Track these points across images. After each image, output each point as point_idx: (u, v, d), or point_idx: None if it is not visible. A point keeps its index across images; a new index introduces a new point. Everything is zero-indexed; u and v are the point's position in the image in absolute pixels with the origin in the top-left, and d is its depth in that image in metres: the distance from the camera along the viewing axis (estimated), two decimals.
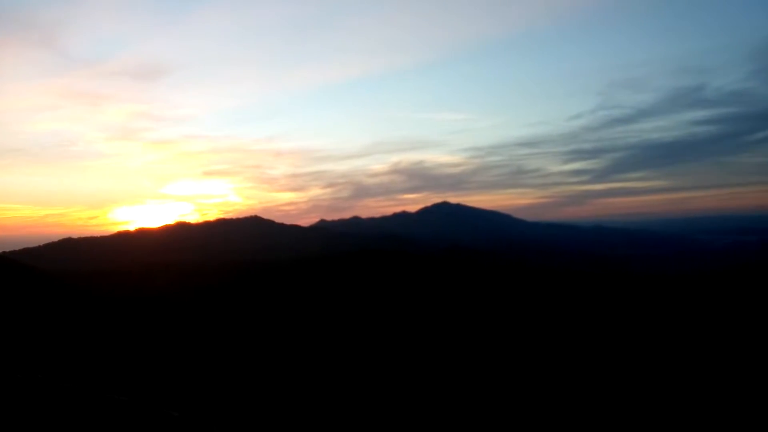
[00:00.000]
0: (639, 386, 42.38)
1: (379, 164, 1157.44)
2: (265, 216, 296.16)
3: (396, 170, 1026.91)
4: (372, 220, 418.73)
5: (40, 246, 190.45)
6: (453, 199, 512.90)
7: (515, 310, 76.32)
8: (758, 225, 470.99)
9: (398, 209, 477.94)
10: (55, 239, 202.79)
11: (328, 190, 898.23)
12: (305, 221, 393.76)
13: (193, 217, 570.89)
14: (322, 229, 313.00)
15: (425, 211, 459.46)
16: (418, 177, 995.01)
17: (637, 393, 40.79)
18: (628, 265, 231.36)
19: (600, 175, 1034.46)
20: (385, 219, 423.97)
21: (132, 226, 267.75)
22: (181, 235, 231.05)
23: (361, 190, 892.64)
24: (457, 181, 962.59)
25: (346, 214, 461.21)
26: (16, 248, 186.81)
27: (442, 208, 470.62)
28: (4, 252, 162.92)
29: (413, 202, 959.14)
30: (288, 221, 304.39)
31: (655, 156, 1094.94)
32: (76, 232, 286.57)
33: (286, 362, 51.41)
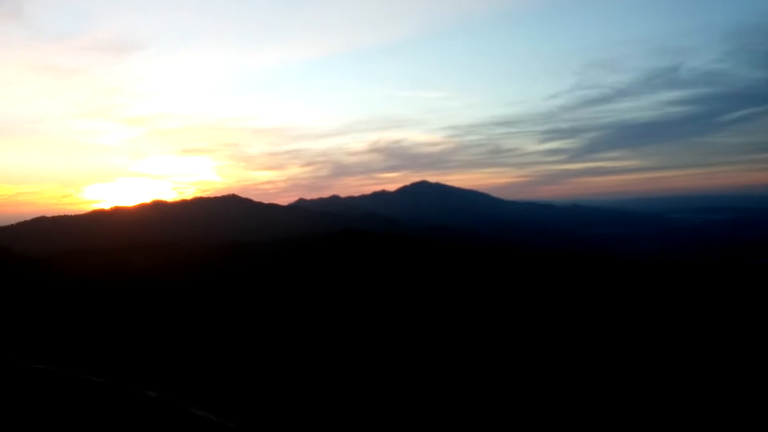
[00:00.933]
0: (620, 369, 43.04)
1: (358, 143, 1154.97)
2: (243, 195, 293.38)
3: (375, 149, 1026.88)
4: (351, 199, 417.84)
5: (13, 225, 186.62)
6: (432, 178, 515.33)
7: (499, 290, 76.84)
8: (730, 204, 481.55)
9: (377, 188, 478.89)
10: (29, 218, 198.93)
11: (307, 168, 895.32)
12: (284, 200, 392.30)
13: (170, 196, 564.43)
14: (301, 208, 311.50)
15: (404, 191, 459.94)
16: (397, 156, 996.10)
17: (618, 376, 41.43)
18: (604, 244, 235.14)
19: (576, 155, 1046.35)
20: (364, 198, 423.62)
21: (107, 204, 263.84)
22: (157, 213, 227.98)
23: (340, 169, 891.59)
24: (435, 160, 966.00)
25: (325, 193, 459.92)
26: None
27: (421, 187, 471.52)
28: None
29: (392, 181, 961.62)
30: (266, 200, 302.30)
31: (630, 136, 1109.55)
32: (50, 211, 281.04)
33: (268, 347, 51.17)
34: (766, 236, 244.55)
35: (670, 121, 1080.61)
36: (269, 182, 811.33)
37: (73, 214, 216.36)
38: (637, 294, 73.27)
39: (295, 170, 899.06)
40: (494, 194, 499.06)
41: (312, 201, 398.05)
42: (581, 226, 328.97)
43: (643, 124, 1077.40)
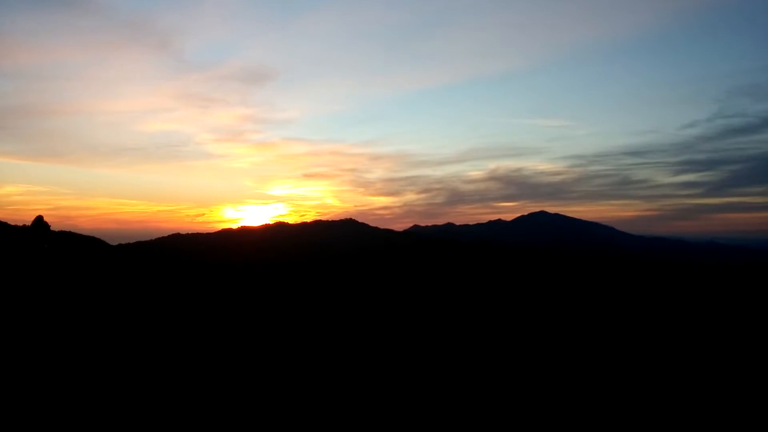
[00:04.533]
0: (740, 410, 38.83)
1: (475, 170, 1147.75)
2: (360, 219, 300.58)
3: (493, 177, 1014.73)
4: (466, 227, 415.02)
5: (151, 240, 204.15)
6: (551, 208, 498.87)
7: (605, 321, 72.53)
8: None
9: (493, 217, 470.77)
10: (165, 234, 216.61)
11: (423, 195, 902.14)
12: (399, 226, 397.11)
13: (292, 218, 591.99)
14: (415, 234, 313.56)
15: (521, 220, 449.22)
16: (516, 185, 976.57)
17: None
18: (741, 284, 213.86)
19: (715, 189, 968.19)
20: (479, 226, 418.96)
21: (235, 225, 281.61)
22: (279, 234, 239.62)
23: (457, 197, 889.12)
24: (556, 190, 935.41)
25: (440, 221, 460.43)
26: (131, 241, 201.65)
27: (540, 216, 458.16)
28: (120, 244, 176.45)
29: (509, 210, 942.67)
30: (382, 225, 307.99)
31: None
32: (184, 228, 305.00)
33: (374, 364, 51.61)
34: None
35: None
36: (385, 208, 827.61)
37: (204, 233, 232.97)
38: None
39: (411, 197, 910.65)
40: (619, 227, 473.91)
41: (426, 227, 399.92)
42: (716, 265, 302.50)
43: None
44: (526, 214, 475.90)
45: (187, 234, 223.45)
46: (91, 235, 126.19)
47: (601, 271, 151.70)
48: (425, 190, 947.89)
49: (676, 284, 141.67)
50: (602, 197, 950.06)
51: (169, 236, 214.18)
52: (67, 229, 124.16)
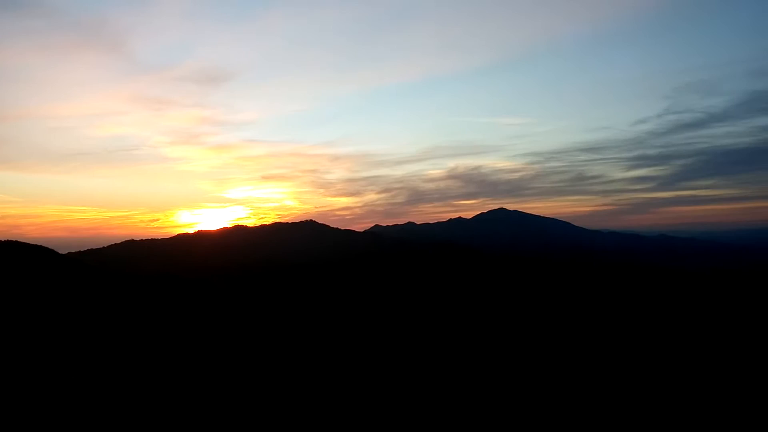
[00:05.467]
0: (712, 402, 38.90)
1: (435, 169, 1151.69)
2: (321, 220, 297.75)
3: (452, 175, 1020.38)
4: (427, 225, 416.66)
5: (104, 247, 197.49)
6: (510, 205, 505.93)
7: (569, 318, 72.77)
8: None
9: (454, 215, 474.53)
10: (119, 241, 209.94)
11: (384, 195, 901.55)
12: (360, 226, 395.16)
13: (251, 221, 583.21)
14: (376, 234, 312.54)
15: (481, 218, 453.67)
16: (475, 183, 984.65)
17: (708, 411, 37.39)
18: (693, 276, 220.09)
19: (666, 183, 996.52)
20: (440, 225, 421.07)
21: (192, 229, 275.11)
22: (238, 238, 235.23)
23: (417, 196, 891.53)
24: (515, 187, 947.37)
25: (401, 220, 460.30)
26: (82, 249, 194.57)
27: (499, 214, 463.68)
28: (70, 252, 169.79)
29: (470, 208, 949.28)
30: (343, 226, 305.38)
31: (725, 163, 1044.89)
32: (139, 234, 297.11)
33: (324, 358, 50.18)
34: None
35: None
36: (346, 208, 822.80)
37: (159, 238, 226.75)
38: (717, 328, 67.19)
39: (372, 197, 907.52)
40: (576, 222, 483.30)
41: (387, 227, 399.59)
42: (670, 259, 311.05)
43: (739, 150, 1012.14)
44: (485, 211, 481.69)
45: (142, 240, 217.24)
46: (40, 244, 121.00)
47: (561, 270, 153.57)
48: (386, 190, 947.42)
49: (631, 279, 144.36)
50: (559, 193, 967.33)
51: (122, 243, 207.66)
52: (14, 239, 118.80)
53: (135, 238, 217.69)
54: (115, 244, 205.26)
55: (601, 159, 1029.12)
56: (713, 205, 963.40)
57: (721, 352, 56.51)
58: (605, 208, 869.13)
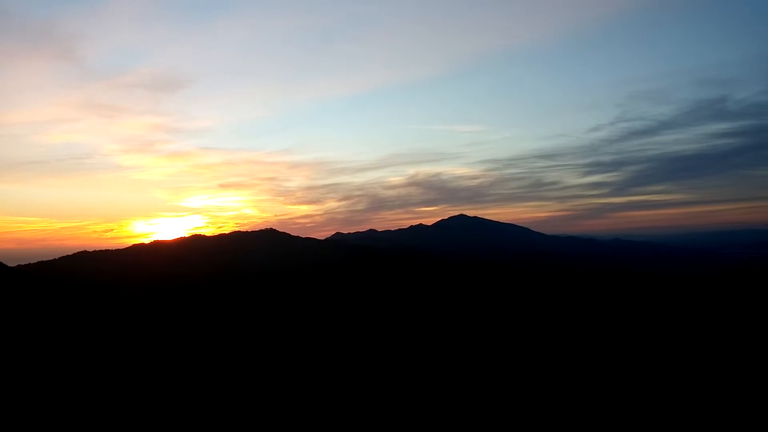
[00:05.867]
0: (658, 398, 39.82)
1: (395, 176, 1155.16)
2: (281, 229, 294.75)
3: (413, 182, 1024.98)
4: (388, 232, 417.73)
5: (55, 259, 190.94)
6: (470, 212, 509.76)
7: (533, 322, 73.69)
8: None
9: (415, 222, 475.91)
10: (70, 252, 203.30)
11: (344, 202, 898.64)
12: (321, 234, 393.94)
13: (209, 230, 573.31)
14: (337, 241, 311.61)
15: (441, 224, 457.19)
16: (435, 189, 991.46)
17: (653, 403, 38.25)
18: (647, 278, 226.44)
19: (619, 188, 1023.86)
20: (401, 231, 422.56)
21: (147, 239, 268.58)
22: (195, 247, 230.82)
23: (378, 203, 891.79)
24: (474, 193, 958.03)
25: (362, 227, 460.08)
26: (32, 261, 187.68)
27: (459, 220, 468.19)
28: (20, 265, 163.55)
29: (430, 214, 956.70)
30: (303, 234, 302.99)
31: (675, 169, 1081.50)
32: (92, 245, 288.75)
33: (290, 368, 49.46)
34: None
35: (717, 154, 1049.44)
36: (306, 216, 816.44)
37: (113, 249, 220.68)
38: (688, 329, 69.19)
39: (332, 204, 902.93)
40: (534, 228, 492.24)
41: (349, 235, 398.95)
42: (625, 261, 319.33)
43: (688, 156, 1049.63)
44: (446, 218, 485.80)
45: (95, 251, 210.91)
46: None
47: (521, 275, 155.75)
48: (346, 197, 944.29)
49: (589, 283, 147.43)
50: (517, 199, 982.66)
51: (74, 254, 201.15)
52: None
53: (88, 249, 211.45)
54: (67, 255, 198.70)
55: (557, 165, 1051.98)
56: (664, 209, 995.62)
57: (676, 352, 58.08)
58: (562, 213, 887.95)
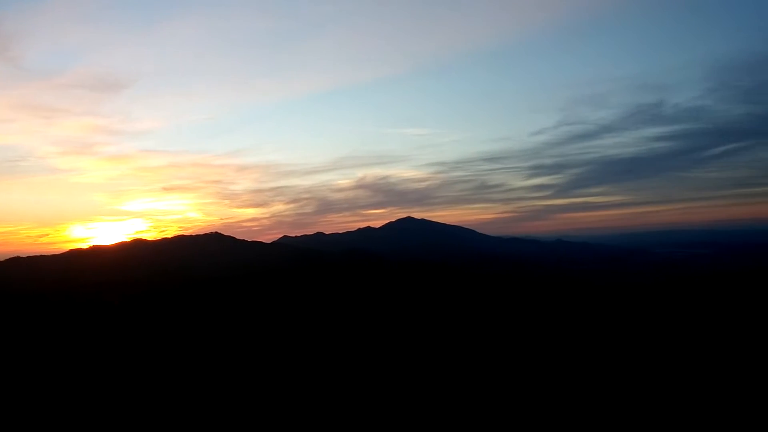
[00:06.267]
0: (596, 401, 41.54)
1: (344, 179, 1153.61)
2: (227, 232, 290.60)
3: (361, 185, 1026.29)
4: (336, 235, 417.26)
5: None
6: (418, 214, 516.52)
7: (476, 323, 75.26)
8: (711, 238, 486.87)
9: (363, 224, 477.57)
10: (2, 258, 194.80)
11: (292, 205, 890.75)
12: (268, 237, 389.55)
13: (151, 234, 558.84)
14: (285, 245, 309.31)
15: (390, 227, 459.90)
16: (383, 192, 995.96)
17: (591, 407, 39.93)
18: (588, 278, 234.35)
19: (561, 190, 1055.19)
20: (349, 234, 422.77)
21: (86, 244, 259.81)
22: (137, 252, 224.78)
23: (326, 206, 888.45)
24: (422, 196, 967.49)
25: (310, 230, 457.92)
26: None
27: (407, 223, 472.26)
28: None
29: (378, 217, 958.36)
30: (250, 237, 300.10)
31: (614, 171, 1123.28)
32: (25, 251, 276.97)
33: (241, 380, 49.05)
34: (745, 270, 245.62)
35: (654, 157, 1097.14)
36: (253, 219, 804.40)
37: (49, 254, 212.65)
38: (622, 324, 72.09)
39: (279, 207, 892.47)
40: (480, 230, 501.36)
41: (296, 238, 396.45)
42: (567, 261, 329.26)
43: (627, 159, 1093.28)
44: (394, 220, 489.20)
45: (29, 257, 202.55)
46: None
47: (467, 277, 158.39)
48: (294, 200, 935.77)
49: (532, 283, 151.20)
50: (463, 201, 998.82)
51: (6, 260, 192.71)
52: None
53: (21, 255, 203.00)
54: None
55: (502, 168, 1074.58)
56: (604, 210, 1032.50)
57: (614, 353, 60.38)
58: (506, 215, 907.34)
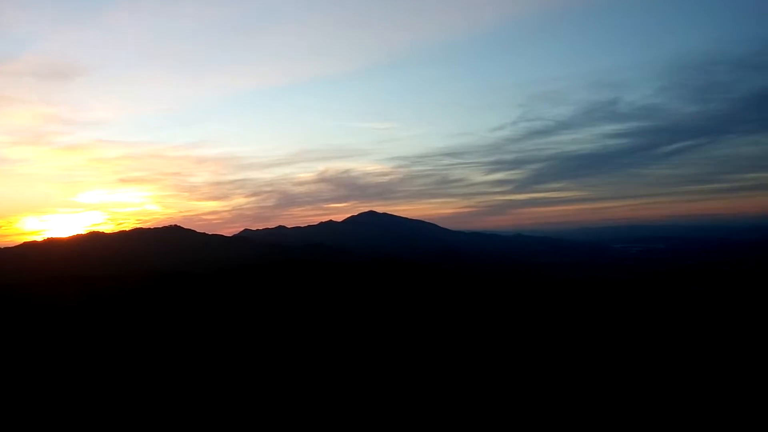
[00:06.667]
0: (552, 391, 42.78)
1: (305, 172, 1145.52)
2: (186, 225, 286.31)
3: (323, 179, 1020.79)
4: (298, 229, 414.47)
5: None
6: (380, 208, 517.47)
7: (439, 318, 76.23)
8: (665, 233, 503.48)
9: (325, 218, 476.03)
10: None
11: (253, 198, 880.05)
12: (229, 231, 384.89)
13: (108, 227, 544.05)
14: (246, 238, 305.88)
15: (352, 221, 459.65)
16: (345, 186, 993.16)
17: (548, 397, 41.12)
18: (547, 272, 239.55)
19: (521, 186, 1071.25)
20: (311, 228, 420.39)
21: (40, 237, 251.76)
22: (94, 245, 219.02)
23: (287, 199, 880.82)
24: (383, 190, 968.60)
25: (272, 224, 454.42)
26: None
27: (369, 217, 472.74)
28: None
29: (340, 211, 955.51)
30: (210, 231, 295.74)
31: (572, 167, 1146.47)
32: None
33: (202, 379, 48.66)
34: (698, 264, 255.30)
35: (610, 153, 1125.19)
36: (213, 212, 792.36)
37: (2, 247, 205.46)
38: (575, 318, 74.13)
39: (240, 200, 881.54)
40: (441, 224, 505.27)
41: (258, 231, 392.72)
42: (526, 255, 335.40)
43: (584, 155, 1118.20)
44: (356, 214, 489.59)
45: None
46: None
47: (429, 271, 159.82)
48: (255, 193, 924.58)
49: (492, 278, 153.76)
50: (425, 196, 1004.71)
51: None
52: None
53: None
54: None
55: (462, 163, 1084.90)
56: (562, 205, 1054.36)
57: (574, 346, 62.06)
58: (467, 210, 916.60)
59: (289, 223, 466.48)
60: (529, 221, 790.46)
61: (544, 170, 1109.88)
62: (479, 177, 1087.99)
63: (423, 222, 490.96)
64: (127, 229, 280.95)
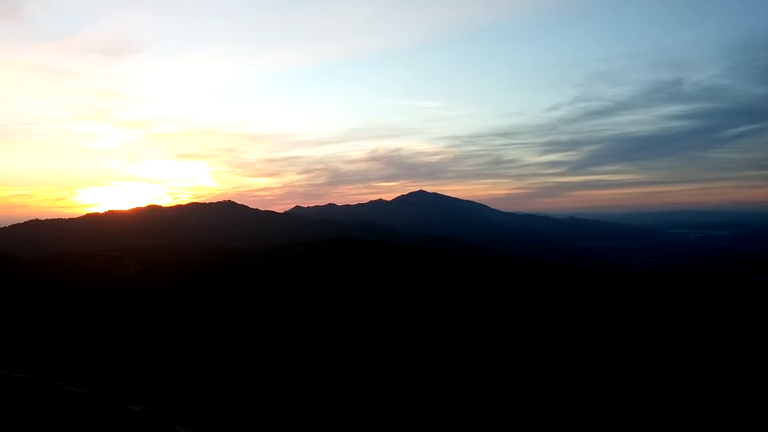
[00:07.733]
0: (610, 382, 42.09)
1: (356, 151, 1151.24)
2: (239, 201, 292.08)
3: (373, 157, 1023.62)
4: (347, 207, 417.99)
5: (6, 227, 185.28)
6: (430, 188, 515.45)
7: (490, 300, 75.83)
8: (729, 220, 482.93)
9: (374, 197, 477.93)
10: (21, 221, 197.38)
11: (304, 176, 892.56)
12: (280, 207, 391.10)
13: (165, 201, 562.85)
14: (297, 215, 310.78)
15: (401, 200, 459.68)
16: (395, 165, 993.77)
17: (607, 388, 40.48)
18: (600, 258, 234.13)
19: (575, 168, 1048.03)
20: (360, 206, 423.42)
21: (101, 209, 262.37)
22: (152, 218, 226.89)
23: (338, 177, 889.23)
24: (434, 170, 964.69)
25: (322, 201, 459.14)
26: None
27: (419, 196, 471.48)
28: None
29: (390, 190, 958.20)
30: (262, 207, 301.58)
31: (630, 149, 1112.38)
32: (43, 214, 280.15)
33: (260, 355, 50.07)
34: (763, 253, 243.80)
35: (671, 136, 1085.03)
36: (266, 189, 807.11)
37: (66, 218, 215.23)
38: (629, 308, 72.41)
39: (292, 177, 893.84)
40: (492, 205, 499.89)
41: (308, 209, 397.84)
42: (578, 240, 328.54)
43: (643, 137, 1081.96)
44: (406, 193, 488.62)
45: (47, 220, 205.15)
46: None
47: (479, 253, 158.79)
48: (306, 171, 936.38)
49: (545, 262, 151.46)
50: (476, 176, 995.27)
51: (25, 222, 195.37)
52: None
53: (39, 218, 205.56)
54: (18, 224, 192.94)
55: (515, 144, 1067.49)
56: (618, 189, 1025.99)
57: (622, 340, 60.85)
58: (519, 191, 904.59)
59: (340, 201, 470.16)
60: (584, 204, 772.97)
61: (601, 152, 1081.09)
62: (532, 158, 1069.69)
63: (473, 203, 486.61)
64: (184, 203, 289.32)
